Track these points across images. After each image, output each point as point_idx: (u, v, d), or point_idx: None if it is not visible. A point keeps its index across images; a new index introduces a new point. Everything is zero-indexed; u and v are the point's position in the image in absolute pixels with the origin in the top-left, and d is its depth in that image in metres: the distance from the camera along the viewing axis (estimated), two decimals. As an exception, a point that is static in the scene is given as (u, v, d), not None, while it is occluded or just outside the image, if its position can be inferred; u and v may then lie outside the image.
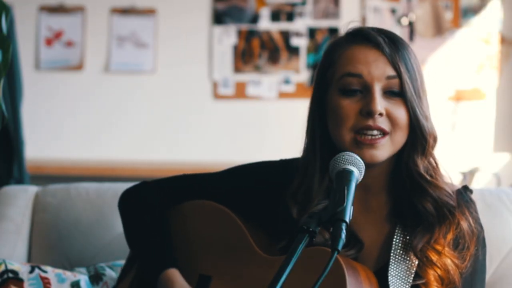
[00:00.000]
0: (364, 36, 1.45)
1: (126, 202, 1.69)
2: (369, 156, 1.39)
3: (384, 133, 1.40)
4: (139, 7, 4.80)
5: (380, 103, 1.40)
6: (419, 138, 1.43)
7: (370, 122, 1.39)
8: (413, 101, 1.41)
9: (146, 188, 1.68)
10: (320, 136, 1.48)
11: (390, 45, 1.43)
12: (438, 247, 1.40)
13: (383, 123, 1.40)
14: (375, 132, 1.40)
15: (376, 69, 1.41)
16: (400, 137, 1.42)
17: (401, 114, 1.41)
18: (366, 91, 1.41)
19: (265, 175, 1.58)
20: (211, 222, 1.60)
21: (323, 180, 1.46)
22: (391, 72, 1.41)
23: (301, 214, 1.45)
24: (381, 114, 1.39)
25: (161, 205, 1.65)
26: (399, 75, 1.41)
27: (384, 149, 1.41)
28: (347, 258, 1.40)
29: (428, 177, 1.43)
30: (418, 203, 1.43)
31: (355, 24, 1.50)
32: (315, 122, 1.49)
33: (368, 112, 1.39)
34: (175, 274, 1.52)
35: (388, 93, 1.42)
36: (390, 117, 1.41)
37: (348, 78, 1.42)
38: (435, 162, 1.47)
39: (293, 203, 1.48)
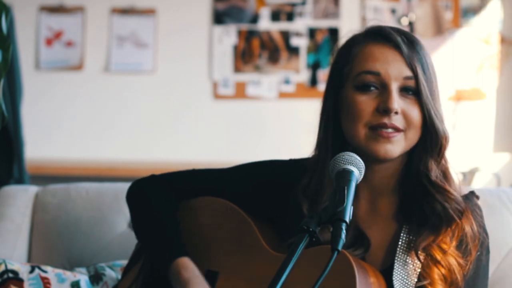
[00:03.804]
0: (383, 35, 1.45)
1: (136, 193, 1.68)
2: (384, 151, 1.40)
3: (398, 130, 1.42)
4: (139, 7, 4.80)
5: (397, 102, 1.41)
6: (432, 140, 1.44)
7: (386, 120, 1.40)
8: (428, 102, 1.42)
9: (156, 180, 1.68)
10: (332, 132, 1.49)
11: (409, 46, 1.44)
12: (444, 246, 1.41)
13: (397, 121, 1.41)
14: (390, 130, 1.41)
15: (394, 68, 1.42)
16: (414, 136, 1.43)
17: (415, 113, 1.42)
18: (383, 89, 1.42)
19: (274, 174, 1.58)
20: (219, 218, 1.60)
21: None
22: (408, 73, 1.42)
23: (311, 208, 1.47)
24: (396, 113, 1.40)
25: (170, 198, 1.65)
26: (415, 76, 1.42)
27: (399, 145, 1.42)
28: (357, 258, 1.40)
29: (438, 182, 1.44)
30: (426, 207, 1.44)
31: (374, 22, 1.51)
32: (328, 118, 1.49)
33: (384, 109, 1.40)
34: (187, 261, 1.52)
35: (404, 92, 1.43)
36: (405, 116, 1.42)
37: (366, 75, 1.43)
38: (446, 164, 1.48)
39: (303, 198, 1.49)
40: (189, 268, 1.51)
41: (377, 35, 1.46)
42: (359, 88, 1.43)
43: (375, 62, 1.43)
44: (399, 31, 1.47)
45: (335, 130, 1.48)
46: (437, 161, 1.45)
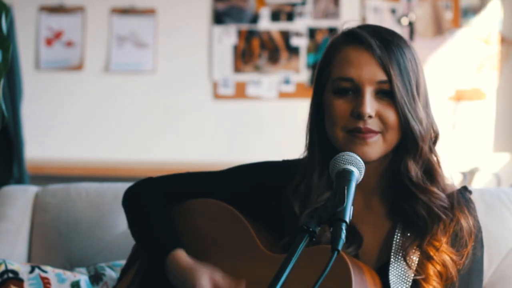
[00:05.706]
0: (357, 38, 1.45)
1: (131, 196, 1.70)
2: (361, 153, 1.40)
3: (375, 132, 1.42)
4: (139, 7, 4.80)
5: (371, 105, 1.41)
6: (409, 141, 1.44)
7: (361, 124, 1.41)
8: (404, 104, 1.41)
9: (151, 183, 1.69)
10: (318, 133, 1.50)
11: (382, 48, 1.43)
12: (436, 243, 1.42)
13: (373, 124, 1.41)
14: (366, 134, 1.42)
15: (367, 73, 1.42)
16: (393, 137, 1.43)
17: (391, 115, 1.42)
18: (357, 93, 1.42)
19: (268, 175, 1.59)
20: (214, 219, 1.60)
21: (322, 174, 1.48)
22: (382, 76, 1.42)
23: (302, 208, 1.48)
24: (370, 116, 1.41)
25: (164, 199, 1.66)
26: (389, 79, 1.41)
27: (377, 147, 1.42)
28: (352, 257, 1.41)
29: (419, 183, 1.44)
30: (408, 207, 1.45)
31: (352, 23, 1.51)
32: (313, 120, 1.51)
33: (358, 114, 1.41)
34: (181, 253, 1.53)
35: (380, 94, 1.43)
36: (381, 118, 1.42)
37: (341, 82, 1.44)
38: (437, 161, 1.48)
39: (294, 198, 1.50)
40: (185, 258, 1.52)
41: (352, 38, 1.46)
42: (336, 92, 1.44)
43: (349, 67, 1.43)
44: (374, 32, 1.45)
45: (320, 132, 1.49)
46: (416, 161, 1.45)
